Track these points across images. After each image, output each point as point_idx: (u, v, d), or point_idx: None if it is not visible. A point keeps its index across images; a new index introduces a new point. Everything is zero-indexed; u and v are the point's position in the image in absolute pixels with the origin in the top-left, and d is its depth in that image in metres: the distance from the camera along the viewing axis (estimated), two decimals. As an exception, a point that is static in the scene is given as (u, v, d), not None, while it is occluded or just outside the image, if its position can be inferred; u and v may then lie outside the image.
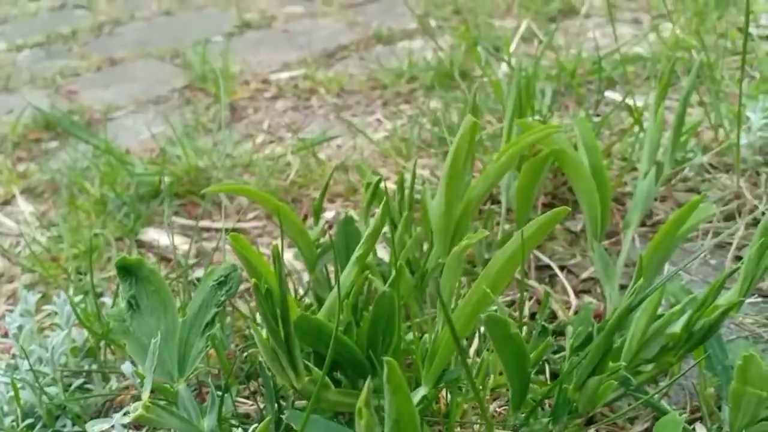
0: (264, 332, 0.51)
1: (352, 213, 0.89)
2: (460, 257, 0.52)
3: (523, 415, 0.55)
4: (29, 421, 0.74)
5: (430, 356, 0.52)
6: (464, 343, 0.78)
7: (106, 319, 0.72)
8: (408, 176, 1.22)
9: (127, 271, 0.63)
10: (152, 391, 0.67)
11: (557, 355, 0.79)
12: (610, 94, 1.52)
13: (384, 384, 0.40)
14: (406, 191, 0.83)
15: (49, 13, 2.70)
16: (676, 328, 0.71)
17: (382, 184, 1.23)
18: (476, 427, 0.64)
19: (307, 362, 0.54)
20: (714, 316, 0.68)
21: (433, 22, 2.09)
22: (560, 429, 0.57)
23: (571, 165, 0.90)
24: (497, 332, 0.47)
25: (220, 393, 0.62)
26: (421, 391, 0.52)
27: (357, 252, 0.59)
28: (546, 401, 0.65)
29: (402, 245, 0.77)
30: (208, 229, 1.18)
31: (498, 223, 1.05)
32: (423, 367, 0.54)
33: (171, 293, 0.63)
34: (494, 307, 0.72)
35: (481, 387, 0.64)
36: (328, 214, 1.18)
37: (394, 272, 0.62)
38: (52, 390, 0.75)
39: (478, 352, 0.78)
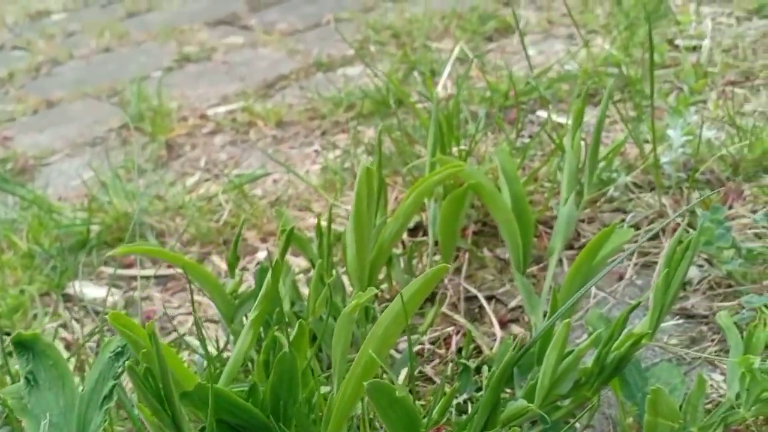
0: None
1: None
2: (351, 317, 0.52)
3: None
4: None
5: (325, 421, 0.52)
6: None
7: (3, 396, 0.70)
8: (339, 211, 1.22)
9: (23, 346, 0.62)
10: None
11: (479, 393, 0.79)
12: (543, 114, 1.54)
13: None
14: (325, 237, 0.83)
15: (-13, 55, 2.66)
16: (590, 361, 0.71)
17: (311, 222, 1.22)
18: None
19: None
20: (623, 349, 0.69)
21: (372, 48, 2.10)
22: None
23: (489, 197, 0.91)
24: (381, 400, 0.47)
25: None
26: (319, 460, 0.52)
27: (252, 315, 0.59)
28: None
29: (317, 293, 0.77)
30: (140, 277, 1.16)
31: (428, 255, 1.05)
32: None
33: (68, 367, 0.61)
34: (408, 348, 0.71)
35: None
36: (261, 255, 1.17)
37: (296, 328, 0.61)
38: (-37, 466, 0.72)
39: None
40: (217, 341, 0.89)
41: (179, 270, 1.15)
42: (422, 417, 0.56)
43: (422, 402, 0.79)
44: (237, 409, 0.57)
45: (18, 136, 1.86)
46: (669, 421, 0.65)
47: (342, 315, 0.51)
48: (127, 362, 0.44)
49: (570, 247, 1.08)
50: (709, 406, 0.78)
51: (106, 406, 0.59)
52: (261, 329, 0.79)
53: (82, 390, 0.61)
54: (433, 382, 0.83)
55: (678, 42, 1.71)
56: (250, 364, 0.80)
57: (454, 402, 0.76)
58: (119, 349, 0.61)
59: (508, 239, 0.92)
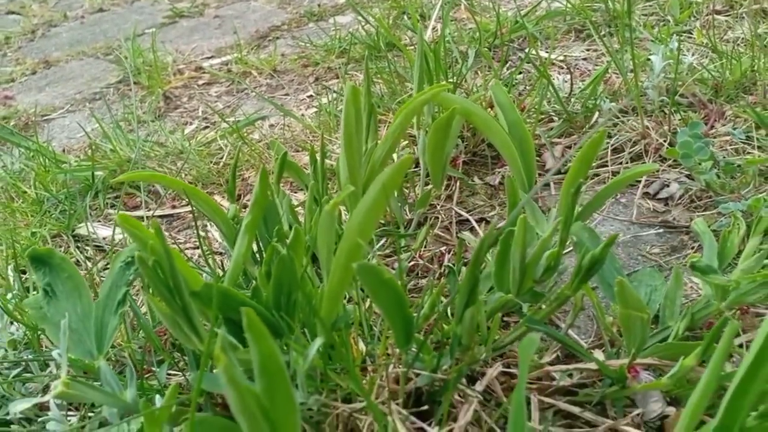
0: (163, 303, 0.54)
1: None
2: (332, 215, 0.56)
3: (415, 351, 0.60)
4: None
5: (317, 307, 0.57)
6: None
7: (24, 308, 0.75)
8: (333, 147, 1.26)
9: (39, 261, 0.67)
10: (84, 372, 0.70)
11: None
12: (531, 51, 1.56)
13: (246, 334, 0.44)
14: (319, 164, 0.87)
15: (-18, 20, 2.68)
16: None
17: (307, 160, 1.26)
18: (379, 369, 0.69)
19: (203, 327, 0.57)
20: (599, 249, 0.73)
21: (362, -5, 2.11)
22: (454, 362, 0.62)
23: (481, 121, 0.94)
24: (370, 280, 0.51)
25: (156, 366, 0.66)
26: (318, 342, 0.56)
27: (245, 220, 0.63)
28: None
29: (312, 213, 0.81)
30: (148, 218, 1.21)
31: (419, 184, 1.09)
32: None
33: (83, 279, 0.66)
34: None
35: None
36: (261, 192, 1.21)
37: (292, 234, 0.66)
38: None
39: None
40: (222, 268, 0.94)
41: (185, 209, 1.20)
42: (414, 315, 0.60)
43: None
44: (242, 305, 0.61)
45: (19, 95, 1.89)
46: (638, 312, 0.69)
47: (323, 214, 0.55)
48: (137, 253, 0.48)
49: (558, 172, 1.12)
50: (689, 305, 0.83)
51: (121, 311, 0.64)
52: (261, 247, 0.84)
53: (97, 299, 0.66)
54: (427, 295, 0.88)
55: (664, -25, 1.73)
56: (254, 282, 0.84)
57: (443, 309, 0.81)
58: (129, 259, 0.65)
59: (509, 161, 0.94)
